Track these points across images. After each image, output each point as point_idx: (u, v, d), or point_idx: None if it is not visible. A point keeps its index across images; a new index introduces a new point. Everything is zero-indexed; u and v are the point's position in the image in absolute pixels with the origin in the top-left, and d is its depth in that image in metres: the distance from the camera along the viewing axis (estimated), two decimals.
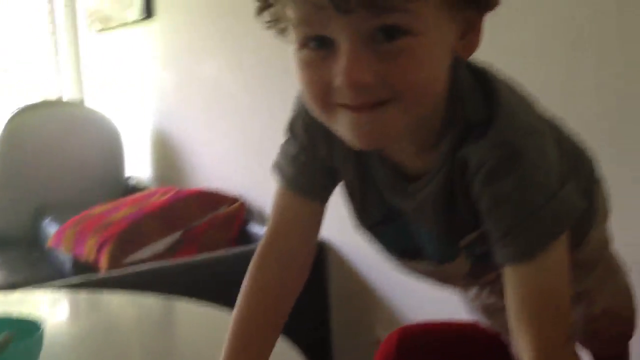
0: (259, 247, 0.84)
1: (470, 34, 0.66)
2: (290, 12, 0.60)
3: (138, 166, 3.28)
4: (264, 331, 0.81)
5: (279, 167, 0.83)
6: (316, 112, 0.66)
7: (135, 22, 3.04)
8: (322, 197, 0.82)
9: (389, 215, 0.78)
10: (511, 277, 0.67)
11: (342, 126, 0.64)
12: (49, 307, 1.42)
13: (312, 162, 0.80)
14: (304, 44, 0.62)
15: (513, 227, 0.65)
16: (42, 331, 0.98)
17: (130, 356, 1.13)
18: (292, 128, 0.82)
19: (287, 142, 0.83)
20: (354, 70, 0.59)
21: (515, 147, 0.65)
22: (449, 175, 0.69)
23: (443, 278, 0.86)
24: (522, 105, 0.70)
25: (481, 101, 0.68)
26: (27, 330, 0.98)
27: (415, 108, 0.63)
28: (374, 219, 0.81)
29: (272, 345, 0.82)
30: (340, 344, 1.99)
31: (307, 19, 0.60)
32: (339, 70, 0.59)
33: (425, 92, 0.63)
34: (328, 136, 0.73)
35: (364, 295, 1.86)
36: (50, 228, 2.68)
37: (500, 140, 0.65)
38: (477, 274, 0.82)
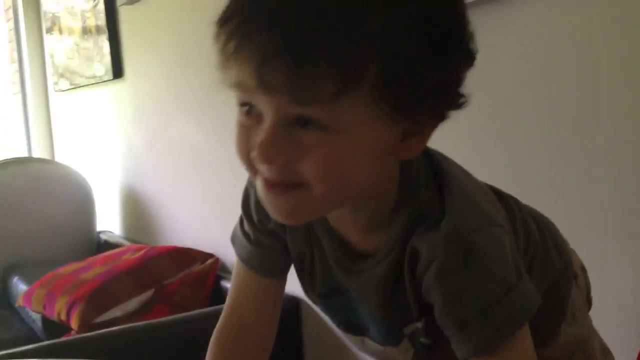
0: (219, 321, 0.85)
1: (414, 138, 0.62)
2: (228, 76, 0.61)
3: (109, 221, 3.27)
4: None
5: (235, 241, 0.83)
6: (247, 170, 0.67)
7: (104, 81, 3.08)
8: (278, 274, 0.83)
9: (335, 288, 0.77)
10: None
11: (260, 195, 0.65)
12: None
13: (265, 240, 0.79)
14: (239, 104, 0.63)
15: (470, 321, 0.63)
16: None
17: None
18: (244, 204, 0.81)
19: (241, 217, 0.82)
20: (267, 150, 0.59)
21: (469, 241, 0.63)
22: (398, 262, 0.68)
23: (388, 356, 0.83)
24: (477, 195, 0.68)
25: (435, 192, 0.66)
26: None
27: (325, 199, 0.61)
28: (321, 290, 0.79)
29: None
30: None
31: (240, 85, 0.60)
32: (256, 143, 0.60)
33: (334, 188, 0.60)
34: None
35: (339, 351, 1.87)
36: (20, 286, 2.66)
37: (453, 234, 0.63)
38: None
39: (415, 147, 0.63)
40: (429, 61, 0.58)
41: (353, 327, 0.80)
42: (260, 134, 0.60)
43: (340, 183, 0.61)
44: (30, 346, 1.77)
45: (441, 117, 0.62)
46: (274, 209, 0.64)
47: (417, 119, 0.61)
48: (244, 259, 0.82)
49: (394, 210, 0.67)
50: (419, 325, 0.72)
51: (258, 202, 0.76)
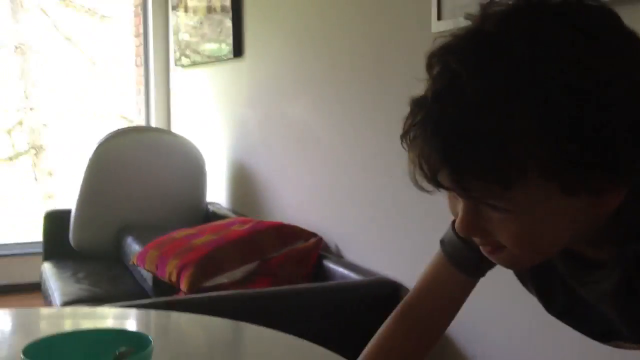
0: (406, 296, 0.92)
1: (608, 194, 0.63)
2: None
3: (218, 194, 3.41)
4: None
5: (445, 239, 0.89)
6: None
7: (225, 58, 3.21)
8: (474, 274, 0.87)
9: (575, 301, 0.77)
10: None
11: None
12: (122, 323, 1.50)
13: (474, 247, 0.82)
14: None
15: None
16: (152, 346, 1.06)
17: None
18: None
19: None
20: (462, 229, 0.68)
21: None
22: (626, 271, 0.68)
23: None
24: None
25: None
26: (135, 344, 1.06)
27: (531, 258, 0.69)
28: (560, 307, 0.81)
29: None
30: None
31: None
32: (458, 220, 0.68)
33: (533, 251, 0.67)
34: None
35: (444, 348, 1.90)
36: (133, 247, 2.82)
37: None
38: None
39: (611, 203, 0.64)
40: (581, 141, 0.60)
41: (604, 335, 0.81)
42: (459, 210, 0.68)
43: (536, 249, 0.67)
44: (146, 300, 1.90)
45: (615, 174, 0.62)
46: (498, 263, 0.72)
47: (594, 186, 0.62)
48: (448, 251, 0.87)
49: (619, 223, 0.68)
50: None
51: None
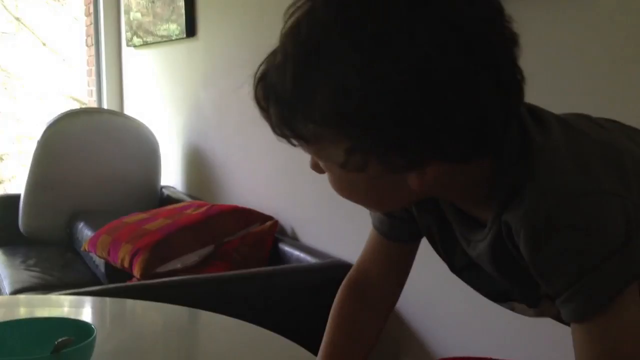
0: (348, 273, 0.93)
1: (414, 174, 0.66)
2: None
3: (172, 177, 3.35)
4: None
5: (372, 214, 0.89)
6: None
7: (177, 38, 3.14)
8: (403, 239, 0.87)
9: (469, 260, 0.79)
10: (575, 336, 0.66)
11: None
12: (72, 311, 1.47)
13: (396, 212, 0.85)
14: None
15: (566, 288, 0.65)
16: (95, 335, 1.03)
17: None
18: None
19: None
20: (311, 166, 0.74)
21: (548, 216, 0.64)
22: (498, 236, 0.70)
23: (540, 315, 0.84)
24: (578, 158, 0.67)
25: (524, 166, 0.67)
26: (78, 334, 1.03)
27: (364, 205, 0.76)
28: (459, 263, 0.82)
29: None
30: None
31: None
32: None
33: (353, 200, 0.72)
34: None
35: (392, 323, 1.90)
36: (85, 232, 2.76)
37: (533, 208, 0.65)
38: None
39: (415, 184, 0.66)
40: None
41: (498, 295, 0.82)
42: None
43: (354, 199, 0.72)
44: (97, 287, 1.86)
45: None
46: None
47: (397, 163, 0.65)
48: (376, 225, 0.88)
49: (492, 188, 0.70)
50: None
51: None
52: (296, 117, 0.65)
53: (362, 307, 0.91)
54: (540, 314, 0.81)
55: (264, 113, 0.70)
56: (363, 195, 0.71)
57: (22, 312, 1.48)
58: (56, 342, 0.96)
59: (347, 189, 0.70)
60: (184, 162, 3.28)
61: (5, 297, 2.31)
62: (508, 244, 0.69)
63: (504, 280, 0.76)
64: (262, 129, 2.42)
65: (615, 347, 0.64)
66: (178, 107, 3.30)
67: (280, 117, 0.68)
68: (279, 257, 2.23)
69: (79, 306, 1.50)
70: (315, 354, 0.98)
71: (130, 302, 1.52)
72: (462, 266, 0.82)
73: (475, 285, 0.84)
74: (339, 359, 0.90)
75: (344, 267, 1.97)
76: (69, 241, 2.99)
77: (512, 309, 0.84)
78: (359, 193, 0.71)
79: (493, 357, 1.10)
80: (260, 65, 0.71)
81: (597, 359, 0.64)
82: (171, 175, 3.36)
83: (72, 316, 1.34)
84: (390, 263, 0.90)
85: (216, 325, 1.34)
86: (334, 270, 1.95)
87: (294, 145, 0.69)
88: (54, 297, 1.58)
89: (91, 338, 1.01)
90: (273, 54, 0.69)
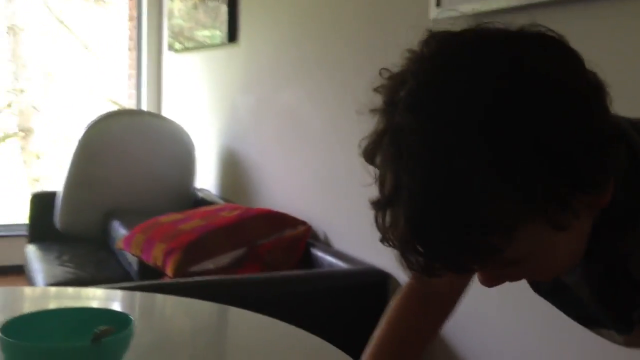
0: (407, 284, 0.92)
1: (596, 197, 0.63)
2: None
3: (207, 180, 3.39)
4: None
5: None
6: None
7: (218, 44, 3.17)
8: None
9: (559, 282, 0.78)
10: None
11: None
12: (103, 304, 1.48)
13: None
14: None
15: None
16: (133, 325, 1.04)
17: (180, 357, 1.18)
18: None
19: None
20: (487, 285, 0.68)
21: None
22: (604, 263, 0.70)
23: (628, 344, 0.83)
24: None
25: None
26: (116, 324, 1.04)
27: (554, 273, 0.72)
28: (546, 286, 0.81)
29: None
30: None
31: None
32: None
33: (557, 270, 0.69)
34: None
35: None
36: (119, 231, 2.79)
37: None
38: None
39: (587, 224, 0.65)
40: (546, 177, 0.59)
41: (586, 320, 0.82)
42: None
43: (559, 267, 0.69)
44: (130, 283, 1.88)
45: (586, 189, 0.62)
46: None
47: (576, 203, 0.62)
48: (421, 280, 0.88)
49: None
50: None
51: None
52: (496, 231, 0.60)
53: (423, 313, 0.90)
54: (628, 342, 0.81)
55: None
56: (567, 256, 0.67)
57: (52, 305, 1.50)
58: (96, 331, 0.98)
59: (552, 260, 0.66)
60: (219, 165, 3.31)
61: (38, 289, 2.35)
62: (618, 270, 0.69)
63: (599, 305, 0.74)
64: (297, 135, 2.44)
65: None
66: (216, 111, 3.33)
67: (486, 247, 0.60)
68: (311, 262, 2.23)
69: (109, 300, 1.52)
70: (345, 354, 0.97)
71: (160, 297, 1.54)
72: (549, 289, 0.81)
73: (565, 309, 0.83)
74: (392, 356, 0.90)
75: (376, 273, 1.97)
76: (104, 239, 3.03)
77: (600, 334, 0.83)
78: (564, 256, 0.67)
79: None
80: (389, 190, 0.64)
81: None
82: (206, 177, 3.39)
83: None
84: (457, 285, 0.89)
85: (246, 322, 1.34)
86: (366, 276, 1.95)
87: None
88: (84, 290, 1.60)
89: (130, 328, 1.03)
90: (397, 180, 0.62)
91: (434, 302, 0.89)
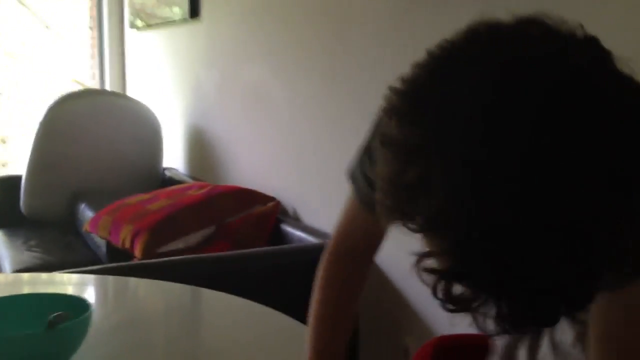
0: (331, 244, 0.95)
1: None
2: None
3: (174, 159, 3.34)
4: (342, 317, 0.94)
5: (354, 178, 0.87)
6: None
7: (180, 20, 3.11)
8: None
9: None
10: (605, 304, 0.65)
11: None
12: (82, 290, 1.46)
13: None
14: None
15: None
16: (91, 311, 1.02)
17: (154, 339, 1.17)
18: (371, 147, 0.81)
19: (365, 154, 0.83)
20: None
21: None
22: None
23: None
24: None
25: None
26: (75, 310, 1.01)
27: None
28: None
29: (350, 330, 0.94)
30: (368, 350, 2.02)
31: None
32: None
33: None
34: None
35: (394, 303, 1.89)
36: (86, 213, 2.75)
37: None
38: None
39: None
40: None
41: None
42: None
43: None
44: (100, 266, 1.85)
45: None
46: None
47: None
48: (363, 200, 0.87)
49: None
50: None
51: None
52: None
53: (353, 273, 0.94)
54: None
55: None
56: None
57: (26, 290, 1.48)
58: (50, 317, 0.95)
59: None
60: (186, 144, 3.27)
61: (10, 276, 2.31)
62: None
63: None
64: (263, 111, 2.39)
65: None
66: (180, 89, 3.28)
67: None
68: (281, 238, 2.22)
69: (81, 284, 1.50)
70: None
71: (132, 280, 1.52)
72: None
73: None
74: (337, 320, 0.93)
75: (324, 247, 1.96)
76: (71, 222, 2.98)
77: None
78: None
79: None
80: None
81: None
82: (173, 157, 3.35)
83: (76, 294, 1.34)
84: (375, 236, 0.92)
85: (218, 303, 1.33)
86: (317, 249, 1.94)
87: None
88: (57, 275, 1.57)
89: (87, 314, 1.00)
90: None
91: (356, 259, 0.93)
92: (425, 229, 0.51)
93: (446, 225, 0.49)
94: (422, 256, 0.53)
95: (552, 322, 0.52)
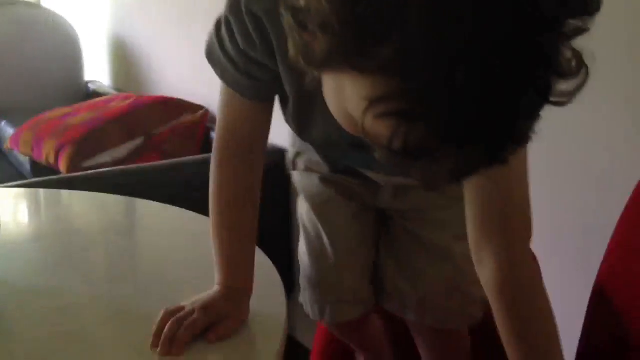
0: (217, 142, 0.85)
1: None
2: None
3: (98, 72, 3.21)
4: (244, 220, 0.85)
5: (216, 62, 0.80)
6: None
7: None
8: (271, 99, 0.81)
9: (334, 141, 0.79)
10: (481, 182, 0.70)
11: None
12: (8, 205, 1.41)
13: (255, 71, 0.75)
14: None
15: None
16: None
17: (90, 252, 1.14)
18: (227, 29, 0.75)
19: (218, 36, 0.77)
20: None
21: None
22: None
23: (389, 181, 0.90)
24: None
25: None
26: None
27: None
28: (317, 139, 0.83)
29: (255, 229, 0.85)
30: None
31: None
32: None
33: None
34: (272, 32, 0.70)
35: None
36: (6, 130, 2.64)
37: None
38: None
39: None
40: None
41: (353, 171, 0.82)
42: None
43: None
44: (25, 181, 1.79)
45: None
46: None
47: None
48: (234, 86, 0.79)
49: None
50: None
51: (247, 32, 0.72)
52: None
53: (246, 173, 0.85)
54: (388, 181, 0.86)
55: None
56: None
57: None
58: None
59: None
60: (110, 55, 3.13)
61: None
62: None
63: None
64: (186, 14, 2.29)
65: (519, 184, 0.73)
66: None
67: None
68: (211, 146, 2.18)
69: (16, 198, 1.44)
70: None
71: (66, 194, 1.48)
72: (320, 144, 0.84)
73: (332, 160, 0.86)
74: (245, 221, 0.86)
75: (275, 152, 1.94)
76: None
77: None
78: None
79: None
80: None
81: (509, 197, 0.72)
82: (97, 69, 3.21)
83: (3, 209, 1.28)
84: (261, 125, 0.82)
85: (154, 214, 1.31)
86: (267, 155, 1.92)
87: None
88: None
89: None
90: None
91: (245, 157, 0.84)
92: (388, 66, 0.46)
93: (417, 59, 0.45)
94: (375, 101, 0.47)
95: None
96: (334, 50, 0.48)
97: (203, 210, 1.21)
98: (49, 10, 3.14)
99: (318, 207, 0.99)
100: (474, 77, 0.45)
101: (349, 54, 0.47)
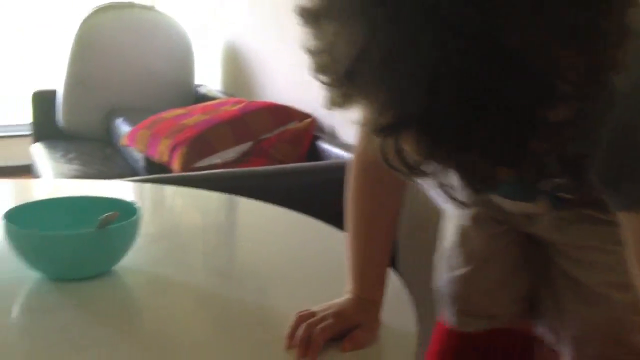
0: (356, 156, 0.89)
1: None
2: None
3: (208, 75, 3.33)
4: (378, 233, 0.88)
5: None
6: None
7: None
8: None
9: None
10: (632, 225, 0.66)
11: None
12: (145, 197, 1.49)
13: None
14: None
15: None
16: (139, 213, 1.03)
17: (192, 245, 1.19)
18: None
19: None
20: None
21: None
22: None
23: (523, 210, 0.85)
24: None
25: None
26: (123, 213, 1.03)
27: None
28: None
29: (390, 243, 0.87)
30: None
31: None
32: None
33: None
34: None
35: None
36: (123, 128, 2.78)
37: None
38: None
39: None
40: None
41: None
42: None
43: None
44: (140, 177, 1.88)
45: None
46: None
47: None
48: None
49: None
50: (560, 181, 0.72)
51: None
52: None
53: (383, 188, 0.86)
54: (521, 208, 0.82)
55: None
56: None
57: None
58: (100, 218, 0.97)
59: None
60: (220, 60, 3.24)
61: (48, 180, 2.35)
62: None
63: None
64: (297, 23, 2.31)
65: None
66: (210, 1, 3.22)
67: None
68: (318, 155, 2.22)
69: (120, 192, 1.53)
70: None
71: (169, 189, 1.54)
72: None
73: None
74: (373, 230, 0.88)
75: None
76: (108, 137, 3.02)
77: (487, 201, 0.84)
78: None
79: None
80: None
81: None
82: (207, 73, 3.33)
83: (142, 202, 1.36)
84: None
85: (255, 211, 1.35)
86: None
87: None
88: (96, 182, 1.60)
89: (136, 215, 1.02)
90: None
91: (382, 176, 0.84)
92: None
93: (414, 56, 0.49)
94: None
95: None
96: None
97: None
98: (162, 14, 3.27)
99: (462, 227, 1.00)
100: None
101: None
